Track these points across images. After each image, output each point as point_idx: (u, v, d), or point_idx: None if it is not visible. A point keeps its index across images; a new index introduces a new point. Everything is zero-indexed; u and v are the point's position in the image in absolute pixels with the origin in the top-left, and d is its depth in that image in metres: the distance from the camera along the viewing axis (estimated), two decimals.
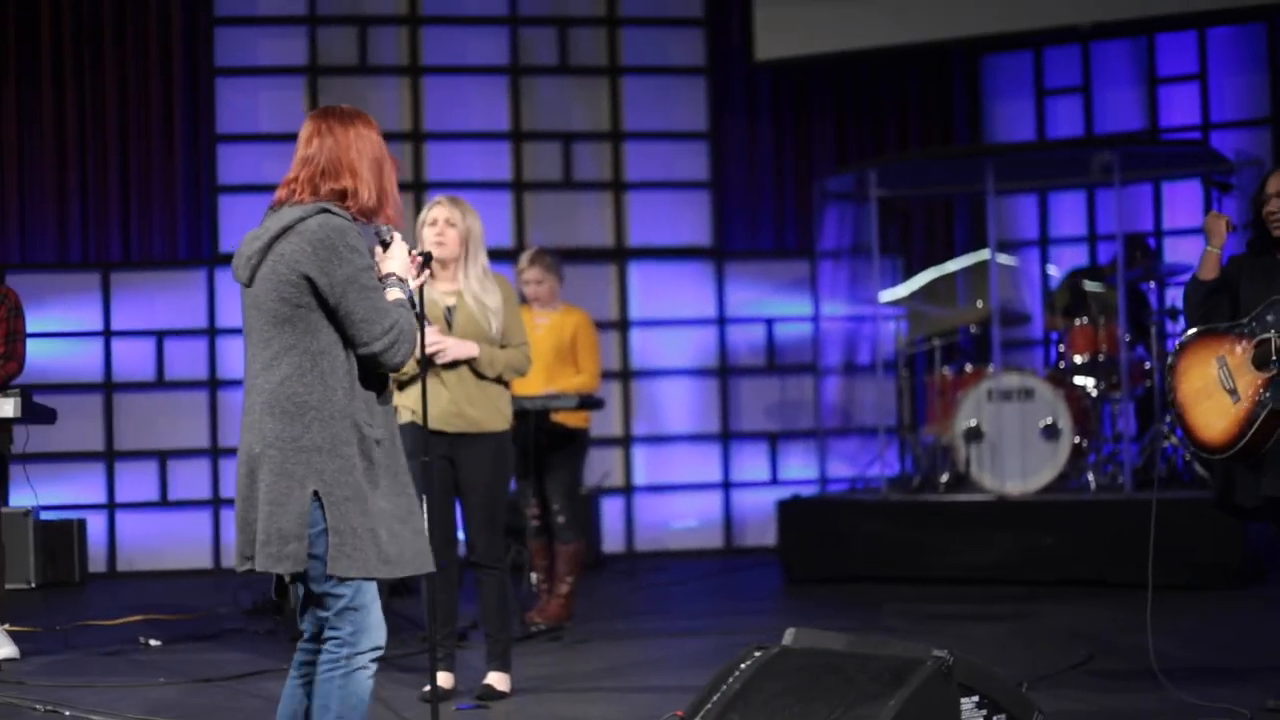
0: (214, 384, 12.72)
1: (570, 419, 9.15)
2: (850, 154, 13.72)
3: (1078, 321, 11.52)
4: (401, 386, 7.17)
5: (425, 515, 6.76)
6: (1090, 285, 11.78)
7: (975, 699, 5.18)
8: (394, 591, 10.19)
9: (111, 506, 12.56)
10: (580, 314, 9.41)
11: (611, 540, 13.10)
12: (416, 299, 5.10)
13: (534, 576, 9.48)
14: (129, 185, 12.79)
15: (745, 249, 13.63)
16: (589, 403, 9.05)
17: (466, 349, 7.10)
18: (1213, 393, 6.54)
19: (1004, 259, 12.62)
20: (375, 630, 4.73)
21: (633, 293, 13.47)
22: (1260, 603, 9.55)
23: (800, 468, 13.35)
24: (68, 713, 6.94)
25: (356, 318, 4.64)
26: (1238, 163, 11.52)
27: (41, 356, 11.55)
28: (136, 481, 12.50)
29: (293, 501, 4.59)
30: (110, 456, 12.60)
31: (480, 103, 13.40)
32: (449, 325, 7.15)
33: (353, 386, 4.68)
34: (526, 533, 9.43)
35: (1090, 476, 11.09)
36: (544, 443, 9.09)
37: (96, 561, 12.34)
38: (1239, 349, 6.53)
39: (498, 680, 7.24)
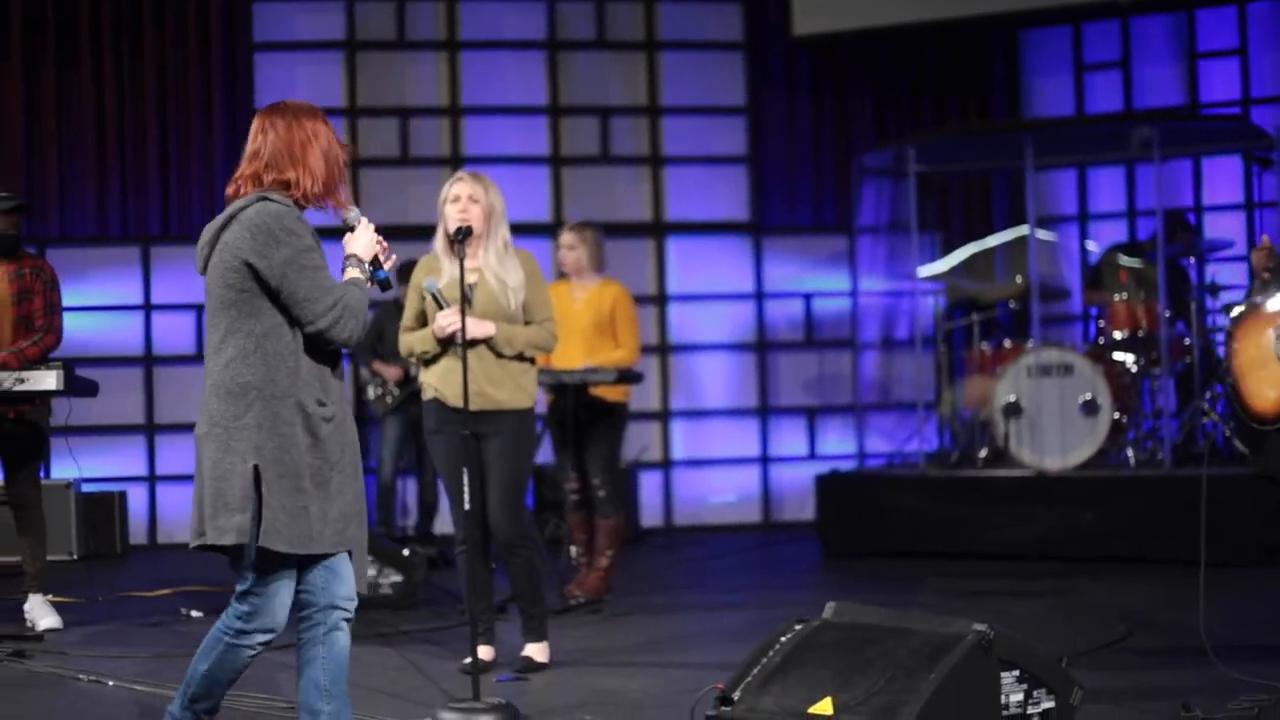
0: None
1: (609, 393, 9.13)
2: (888, 129, 13.70)
3: (1117, 297, 11.49)
4: (426, 365, 7.18)
5: (467, 489, 6.80)
6: (1128, 260, 11.74)
7: (1015, 673, 5.19)
8: (432, 565, 10.27)
9: (152, 479, 12.63)
10: (617, 286, 9.36)
11: (650, 514, 13.12)
12: (394, 279, 5.32)
13: (573, 550, 9.51)
14: (168, 159, 12.84)
15: (783, 224, 13.62)
16: (628, 377, 9.04)
17: (483, 328, 7.03)
18: (1267, 362, 6.51)
19: (1043, 234, 12.59)
20: (272, 614, 4.96)
21: (671, 267, 13.47)
22: None
23: (838, 443, 13.35)
24: (111, 683, 7.00)
25: (299, 297, 4.83)
26: (1278, 138, 11.46)
27: (82, 330, 11.62)
28: (177, 454, 12.54)
29: (235, 476, 4.81)
30: (151, 429, 12.66)
31: (518, 77, 13.40)
32: (471, 304, 7.05)
33: (298, 367, 4.88)
34: (565, 506, 9.45)
35: (1130, 452, 11.06)
36: (583, 416, 9.09)
37: (137, 533, 12.41)
38: None
39: (536, 651, 7.26)
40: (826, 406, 13.53)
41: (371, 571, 9.06)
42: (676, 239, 13.51)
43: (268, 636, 5.00)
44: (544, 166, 13.37)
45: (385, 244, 5.19)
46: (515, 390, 7.14)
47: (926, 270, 12.76)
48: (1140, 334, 11.33)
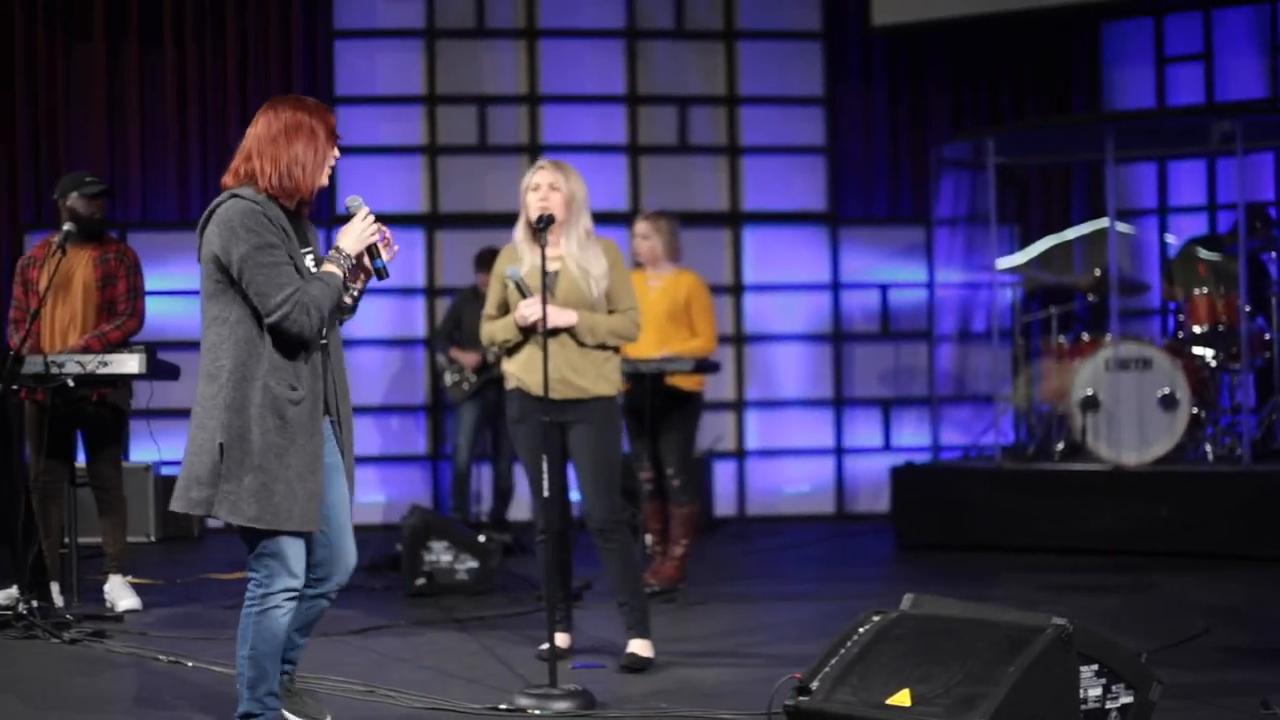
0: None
1: (684, 382, 9.13)
2: (966, 121, 13.65)
3: (1197, 291, 11.41)
4: (509, 354, 7.18)
5: (547, 477, 6.81)
6: (1208, 254, 11.66)
7: (1094, 668, 5.17)
8: (508, 552, 10.31)
9: None
10: (692, 276, 9.36)
11: (723, 504, 13.13)
12: (388, 270, 5.47)
13: (648, 539, 9.52)
14: None
15: (860, 215, 13.60)
16: (705, 366, 9.04)
17: (564, 316, 6.99)
18: None
19: (1122, 228, 12.51)
20: (289, 573, 5.27)
21: (747, 257, 13.47)
22: None
23: (913, 435, 13.33)
24: (190, 664, 7.06)
25: (253, 291, 5.12)
26: None
27: (164, 315, 11.71)
28: None
29: (205, 452, 5.19)
30: None
31: (596, 66, 13.42)
32: (552, 292, 7.01)
33: (265, 352, 5.15)
34: (640, 495, 9.47)
35: (1208, 448, 10.99)
36: (658, 405, 9.09)
37: None
38: None
39: (641, 647, 7.12)
40: (902, 398, 13.51)
41: (448, 557, 9.13)
42: (753, 229, 13.50)
43: (291, 595, 5.29)
44: (621, 155, 13.39)
45: (388, 234, 5.40)
46: (598, 378, 7.08)
47: (1005, 262, 12.70)
48: (1220, 329, 11.25)
